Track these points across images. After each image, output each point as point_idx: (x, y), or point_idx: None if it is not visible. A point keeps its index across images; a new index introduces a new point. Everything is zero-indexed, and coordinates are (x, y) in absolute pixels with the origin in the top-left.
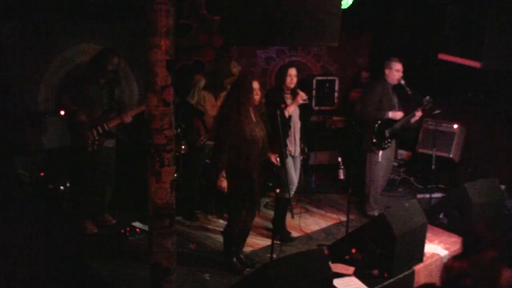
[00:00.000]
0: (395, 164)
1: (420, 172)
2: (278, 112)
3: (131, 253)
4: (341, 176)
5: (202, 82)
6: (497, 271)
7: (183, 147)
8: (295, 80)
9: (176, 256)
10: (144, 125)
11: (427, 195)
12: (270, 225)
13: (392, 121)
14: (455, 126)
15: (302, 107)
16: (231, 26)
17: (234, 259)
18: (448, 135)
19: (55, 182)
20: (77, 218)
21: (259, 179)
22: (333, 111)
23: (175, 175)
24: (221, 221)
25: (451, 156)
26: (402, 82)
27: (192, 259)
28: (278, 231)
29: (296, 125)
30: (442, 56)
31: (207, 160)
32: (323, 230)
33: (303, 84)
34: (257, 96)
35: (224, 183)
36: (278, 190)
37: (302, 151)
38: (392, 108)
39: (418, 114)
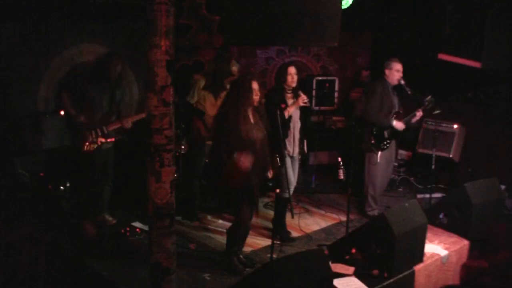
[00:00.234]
0: (395, 164)
1: (420, 172)
2: (278, 112)
3: (131, 253)
4: (341, 176)
5: (202, 82)
6: None
7: (183, 147)
8: (295, 78)
9: (176, 256)
10: (144, 126)
11: (427, 195)
12: (270, 225)
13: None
14: (455, 126)
15: (302, 107)
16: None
17: (235, 259)
18: (448, 135)
19: (55, 182)
20: (77, 219)
21: (258, 179)
22: (333, 111)
23: (175, 175)
24: (221, 221)
25: (451, 156)
26: (402, 82)
27: (192, 259)
28: (278, 231)
29: (296, 125)
30: (442, 56)
31: (207, 160)
32: (323, 230)
33: (303, 84)
34: (256, 97)
35: (247, 161)
36: (278, 190)
37: (301, 151)
38: (392, 109)
39: (419, 114)
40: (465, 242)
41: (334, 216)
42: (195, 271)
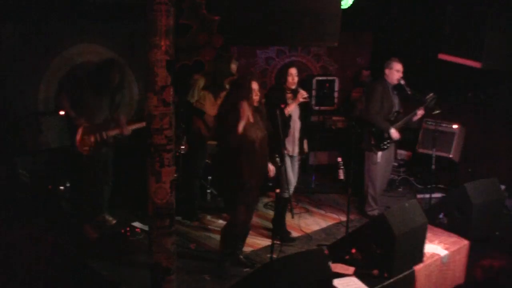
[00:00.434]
0: (395, 164)
1: (420, 172)
2: (278, 112)
3: (131, 253)
4: (341, 176)
5: (202, 82)
6: None
7: (183, 147)
8: (296, 79)
9: (176, 256)
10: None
11: (427, 195)
12: (270, 225)
13: (392, 122)
14: (455, 126)
15: (302, 107)
16: (231, 26)
17: (227, 264)
18: (448, 135)
19: (55, 182)
20: (77, 219)
21: (258, 179)
22: (333, 111)
23: (175, 175)
24: (220, 221)
25: (451, 156)
26: (402, 82)
27: (192, 259)
28: (278, 231)
29: (296, 125)
30: (442, 56)
31: (207, 161)
32: (323, 230)
33: (303, 84)
34: (256, 97)
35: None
36: (278, 190)
37: (301, 151)
38: (392, 108)
39: (420, 112)
40: (465, 242)
41: (334, 216)
42: (195, 271)
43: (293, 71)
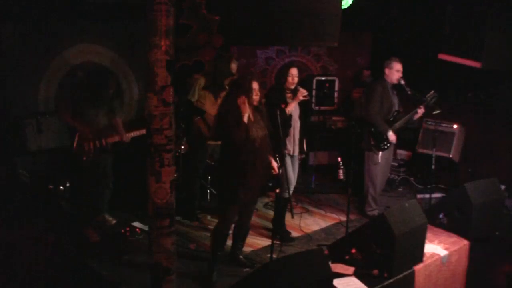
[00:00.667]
0: (395, 164)
1: (420, 172)
2: (279, 112)
3: (131, 253)
4: (341, 176)
5: (202, 81)
6: None
7: (183, 147)
8: (296, 80)
9: (176, 256)
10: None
11: (427, 195)
12: (270, 225)
13: (391, 122)
14: (455, 126)
15: (302, 106)
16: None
17: (214, 274)
18: (448, 135)
19: (55, 182)
20: (78, 219)
21: (259, 178)
22: (333, 111)
23: (175, 175)
24: None
25: (451, 156)
26: (402, 82)
27: (192, 259)
28: (278, 231)
29: (296, 124)
30: (442, 56)
31: (208, 161)
32: (323, 230)
33: (303, 84)
34: (256, 97)
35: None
36: (277, 190)
37: (301, 151)
38: (391, 108)
39: (420, 111)
40: (465, 242)
41: (334, 216)
42: (195, 271)
43: (293, 71)
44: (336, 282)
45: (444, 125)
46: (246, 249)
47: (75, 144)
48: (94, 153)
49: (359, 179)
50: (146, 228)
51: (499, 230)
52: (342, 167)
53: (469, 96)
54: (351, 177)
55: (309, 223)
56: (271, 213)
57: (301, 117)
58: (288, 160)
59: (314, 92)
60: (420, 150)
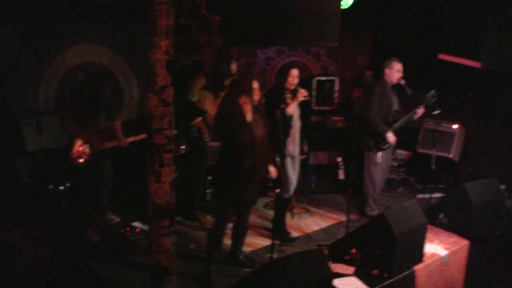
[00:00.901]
0: (395, 164)
1: (420, 172)
2: (279, 112)
3: (131, 253)
4: (341, 176)
5: (203, 81)
6: None
7: (183, 147)
8: (296, 81)
9: (176, 256)
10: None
11: (427, 195)
12: (270, 225)
13: (391, 122)
14: (455, 126)
15: (302, 107)
16: (231, 26)
17: (210, 275)
18: (448, 135)
19: (55, 182)
20: (77, 219)
21: (259, 177)
22: (333, 111)
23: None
24: None
25: (451, 156)
26: (402, 82)
27: (192, 259)
28: (278, 231)
29: (296, 124)
30: (442, 56)
31: (209, 162)
32: (323, 230)
33: (303, 84)
34: (256, 96)
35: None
36: (278, 190)
37: (302, 151)
38: (391, 108)
39: (420, 110)
40: (465, 242)
41: (334, 216)
42: (195, 271)
43: (294, 72)
44: (336, 282)
45: (444, 125)
46: (246, 249)
47: (74, 150)
48: (92, 158)
49: (359, 179)
50: (146, 228)
51: (499, 230)
52: (342, 167)
53: (469, 96)
54: (351, 177)
55: (309, 223)
56: (271, 213)
57: (301, 117)
58: (289, 160)
59: (314, 92)
60: (420, 150)
